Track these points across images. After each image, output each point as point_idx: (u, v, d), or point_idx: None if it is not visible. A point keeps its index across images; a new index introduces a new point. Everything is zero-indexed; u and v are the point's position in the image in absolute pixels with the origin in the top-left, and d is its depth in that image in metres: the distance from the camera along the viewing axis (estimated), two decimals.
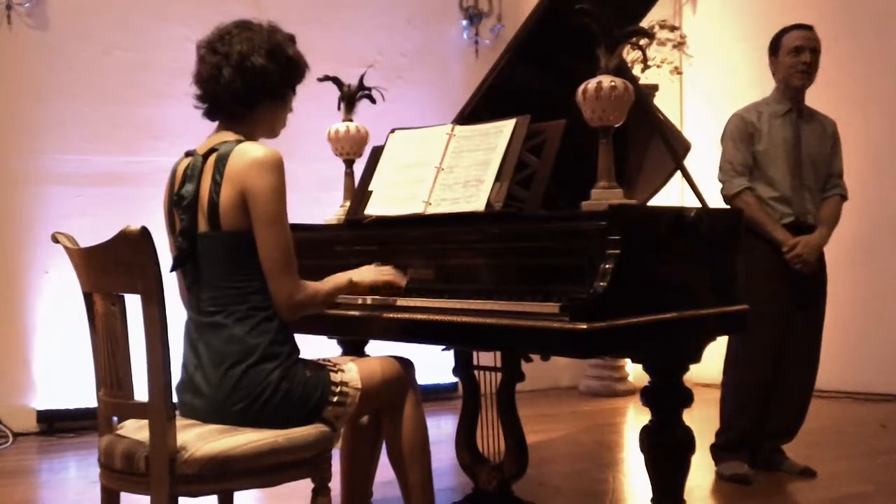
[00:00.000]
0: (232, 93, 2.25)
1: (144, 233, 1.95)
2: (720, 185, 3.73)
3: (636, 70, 4.75)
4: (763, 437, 3.82)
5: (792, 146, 3.68)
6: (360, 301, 2.53)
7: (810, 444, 4.04)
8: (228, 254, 2.20)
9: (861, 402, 5.50)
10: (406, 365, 2.50)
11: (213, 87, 2.26)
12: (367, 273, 2.48)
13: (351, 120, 3.14)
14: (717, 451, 3.77)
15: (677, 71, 6.18)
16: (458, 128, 2.75)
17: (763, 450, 3.83)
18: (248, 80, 2.25)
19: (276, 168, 2.18)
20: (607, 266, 2.12)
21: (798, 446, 3.88)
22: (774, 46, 3.76)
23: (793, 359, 3.74)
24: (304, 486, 2.25)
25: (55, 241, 2.20)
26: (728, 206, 3.66)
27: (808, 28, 3.73)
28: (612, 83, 2.34)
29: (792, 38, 3.71)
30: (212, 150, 2.25)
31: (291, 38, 2.38)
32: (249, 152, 2.19)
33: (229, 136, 2.28)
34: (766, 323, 3.46)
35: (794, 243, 3.60)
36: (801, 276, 3.65)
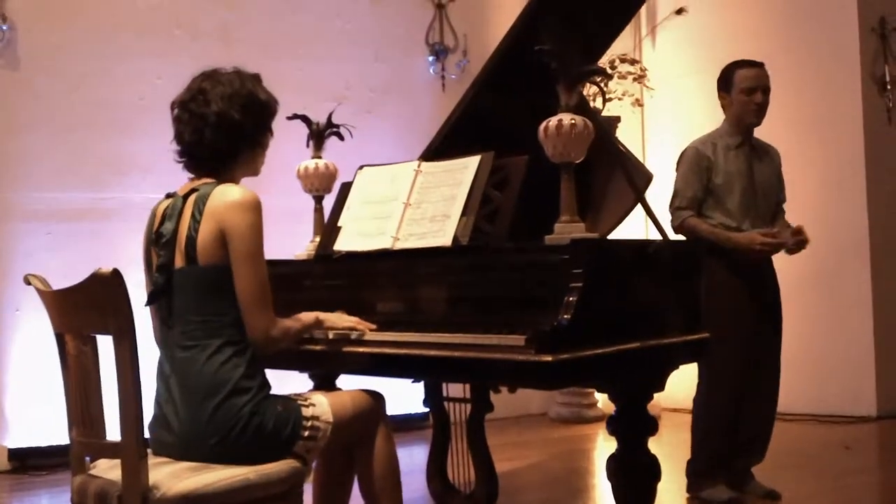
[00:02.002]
0: (215, 151, 2.34)
1: (116, 274, 1.98)
2: (671, 217, 3.75)
3: (597, 102, 4.84)
4: (734, 455, 3.84)
5: (746, 178, 3.74)
6: (331, 336, 2.57)
7: (775, 467, 4.09)
8: (203, 287, 2.26)
9: (825, 424, 5.57)
10: (376, 398, 2.53)
11: (196, 148, 2.34)
12: (333, 316, 2.54)
13: (320, 157, 3.19)
14: (695, 478, 3.74)
15: (638, 103, 6.30)
16: (425, 164, 2.81)
17: (734, 469, 3.86)
18: (229, 137, 2.34)
19: (255, 208, 2.26)
20: (571, 298, 2.18)
21: (763, 468, 3.91)
22: (726, 82, 3.77)
23: (758, 375, 3.76)
24: None
25: (27, 283, 2.23)
26: (677, 234, 3.71)
27: (760, 65, 3.76)
28: (573, 121, 2.41)
29: (745, 76, 3.72)
30: (192, 191, 2.32)
31: (258, 79, 2.45)
32: (229, 193, 2.27)
33: (209, 179, 2.35)
34: (732, 341, 3.52)
35: (774, 232, 3.61)
36: (761, 293, 3.71)
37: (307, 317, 2.48)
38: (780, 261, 3.83)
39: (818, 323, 5.63)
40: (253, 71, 2.47)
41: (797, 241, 3.68)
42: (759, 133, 3.88)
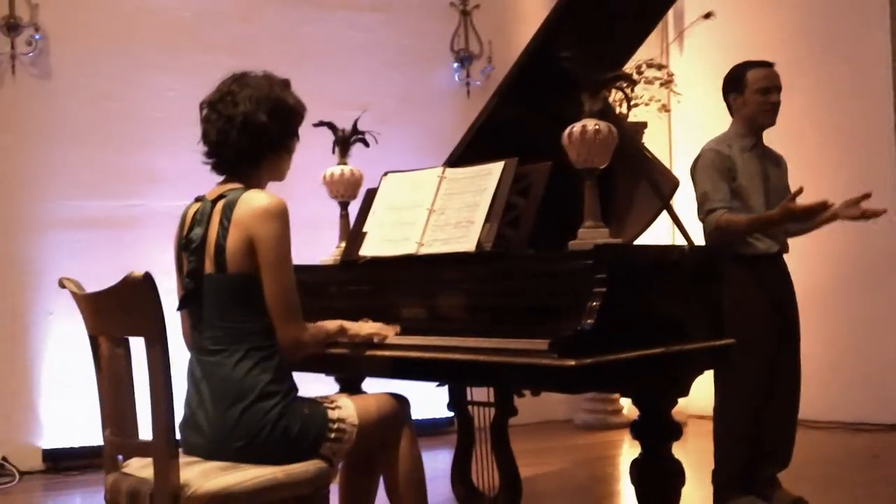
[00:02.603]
0: (239, 152, 2.37)
1: (147, 278, 2.03)
2: (702, 224, 3.62)
3: (622, 108, 4.84)
4: (759, 464, 3.81)
5: (762, 179, 3.70)
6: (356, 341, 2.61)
7: (803, 475, 4.07)
8: (232, 295, 2.29)
9: (853, 432, 5.52)
10: (401, 401, 2.57)
11: (221, 148, 2.38)
12: (356, 324, 2.58)
13: (345, 163, 3.23)
14: (721, 489, 3.68)
15: (665, 108, 6.29)
16: (449, 170, 2.84)
17: (760, 478, 3.83)
18: (254, 139, 2.37)
19: (281, 215, 2.29)
20: (594, 304, 2.20)
21: (790, 476, 3.88)
22: (737, 82, 3.72)
23: (779, 381, 3.71)
24: None
25: (62, 286, 2.28)
26: (713, 239, 3.57)
27: (771, 65, 3.72)
28: (596, 127, 2.43)
29: (759, 76, 3.67)
30: (220, 197, 2.35)
31: (287, 84, 2.49)
32: (255, 200, 2.30)
33: (236, 185, 2.39)
34: (752, 348, 3.50)
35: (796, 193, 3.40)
36: (780, 298, 3.68)
37: (331, 324, 2.52)
38: (808, 268, 3.80)
39: (848, 329, 5.59)
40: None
41: (859, 209, 3.49)
42: (787, 138, 3.86)
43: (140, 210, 5.15)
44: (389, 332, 2.57)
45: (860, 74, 5.76)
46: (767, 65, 3.74)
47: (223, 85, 2.42)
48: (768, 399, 3.71)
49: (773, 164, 3.79)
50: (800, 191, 3.40)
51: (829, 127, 5.72)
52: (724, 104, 3.86)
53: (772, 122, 3.72)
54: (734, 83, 3.75)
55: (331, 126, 3.23)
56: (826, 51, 5.83)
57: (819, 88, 5.67)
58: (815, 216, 3.49)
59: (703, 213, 3.61)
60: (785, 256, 3.78)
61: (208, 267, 2.31)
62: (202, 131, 2.42)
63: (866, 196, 3.50)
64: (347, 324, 2.56)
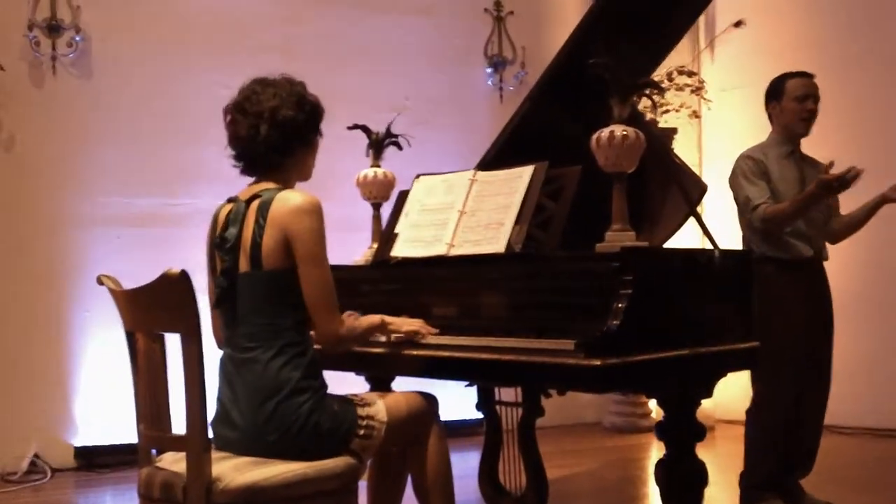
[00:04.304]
0: (270, 146, 2.41)
1: (184, 276, 2.08)
2: (750, 224, 3.65)
3: (654, 115, 4.86)
4: (788, 469, 3.79)
5: (800, 186, 3.73)
6: (385, 339, 2.65)
7: (833, 480, 4.06)
8: (267, 292, 2.34)
9: (884, 438, 5.49)
10: (430, 400, 2.61)
11: (251, 144, 2.42)
12: (398, 320, 2.61)
13: (379, 166, 3.28)
14: (750, 492, 3.68)
15: (696, 115, 6.29)
16: (481, 173, 2.88)
17: (787, 484, 3.81)
18: (284, 131, 2.41)
19: (317, 213, 2.34)
20: (620, 305, 2.23)
21: (820, 482, 3.86)
22: (776, 91, 3.79)
23: (811, 389, 3.70)
24: None
25: (100, 283, 2.33)
26: (764, 232, 3.61)
27: (811, 76, 3.78)
28: (624, 132, 2.46)
29: (797, 85, 3.74)
30: (254, 197, 2.40)
31: (304, 85, 2.54)
32: (291, 199, 2.35)
33: (269, 184, 2.44)
34: (793, 353, 3.50)
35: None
36: (816, 303, 3.68)
37: (372, 318, 2.56)
38: (840, 271, 3.79)
39: (878, 334, 5.55)
40: (315, 82, 2.56)
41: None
42: (818, 143, 3.87)
43: (179, 208, 5.22)
44: (429, 332, 2.60)
45: (893, 79, 5.72)
46: (807, 75, 3.81)
47: (244, 88, 2.47)
48: (802, 402, 3.71)
49: (810, 168, 3.81)
50: (831, 164, 3.48)
51: (865, 131, 5.68)
52: (753, 112, 3.92)
53: (805, 132, 3.77)
54: (773, 92, 3.83)
55: (365, 129, 3.28)
56: (858, 56, 5.80)
57: (851, 94, 5.64)
58: (847, 185, 3.48)
59: (749, 212, 3.67)
60: (825, 264, 3.79)
61: (243, 265, 2.36)
62: (229, 135, 2.46)
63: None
64: (389, 319, 2.60)
